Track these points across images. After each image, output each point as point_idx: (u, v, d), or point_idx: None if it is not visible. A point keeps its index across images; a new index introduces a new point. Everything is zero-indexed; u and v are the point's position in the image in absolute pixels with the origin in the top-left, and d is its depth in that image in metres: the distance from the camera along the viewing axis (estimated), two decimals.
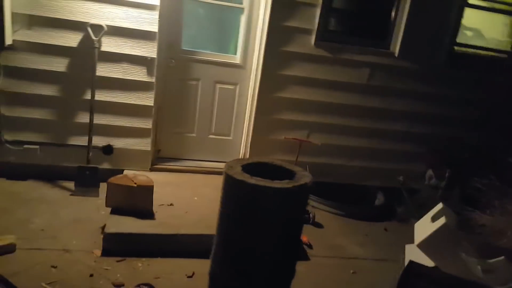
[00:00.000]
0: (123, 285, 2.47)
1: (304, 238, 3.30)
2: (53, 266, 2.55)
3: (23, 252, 2.65)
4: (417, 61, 4.21)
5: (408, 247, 2.95)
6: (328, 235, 3.60)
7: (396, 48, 4.14)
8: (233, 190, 1.09)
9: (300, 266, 2.99)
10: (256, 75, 4.04)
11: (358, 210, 4.06)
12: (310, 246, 3.29)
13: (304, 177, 1.11)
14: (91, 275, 2.52)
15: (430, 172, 4.30)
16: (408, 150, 4.50)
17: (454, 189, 4.09)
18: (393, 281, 2.33)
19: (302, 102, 4.12)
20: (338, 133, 4.31)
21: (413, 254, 2.78)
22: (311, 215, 3.69)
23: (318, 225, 3.71)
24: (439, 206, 3.01)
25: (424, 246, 2.80)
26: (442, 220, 2.78)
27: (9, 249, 2.61)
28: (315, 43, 3.96)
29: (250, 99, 4.15)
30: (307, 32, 3.94)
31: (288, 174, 1.12)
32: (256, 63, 4.04)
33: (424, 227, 2.95)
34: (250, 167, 1.13)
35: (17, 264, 2.51)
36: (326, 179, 4.34)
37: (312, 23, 3.92)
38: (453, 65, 4.30)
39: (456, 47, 4.32)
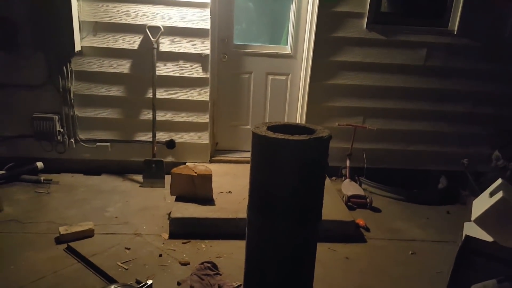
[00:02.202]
0: (188, 263, 2.65)
1: (361, 221, 3.30)
2: (126, 248, 2.79)
3: (100, 237, 2.93)
4: (478, 38, 3.97)
5: (466, 225, 2.82)
6: (386, 219, 3.53)
7: (455, 25, 3.93)
8: (258, 145, 1.25)
9: (356, 248, 3.04)
10: (307, 63, 4.06)
11: (418, 194, 3.93)
12: (367, 229, 3.27)
13: (323, 133, 1.22)
14: (160, 255, 2.73)
15: (497, 153, 4.03)
16: (472, 131, 4.27)
17: None
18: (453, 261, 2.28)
19: (355, 88, 4.07)
20: (395, 117, 4.20)
21: (472, 231, 2.66)
22: (368, 200, 3.66)
23: (376, 210, 3.65)
24: (498, 181, 2.86)
25: (481, 221, 2.66)
26: (499, 194, 2.63)
27: (88, 233, 2.91)
28: (367, 27, 3.89)
29: (302, 88, 4.18)
30: (358, 16, 3.88)
31: (308, 132, 1.25)
32: (306, 52, 4.06)
33: (482, 202, 2.82)
34: (275, 127, 1.28)
35: (96, 247, 2.79)
36: (385, 165, 4.27)
37: (363, 6, 3.85)
38: None
39: None
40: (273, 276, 1.28)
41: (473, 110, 4.21)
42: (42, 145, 3.94)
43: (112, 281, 2.34)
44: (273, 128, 1.24)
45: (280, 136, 1.16)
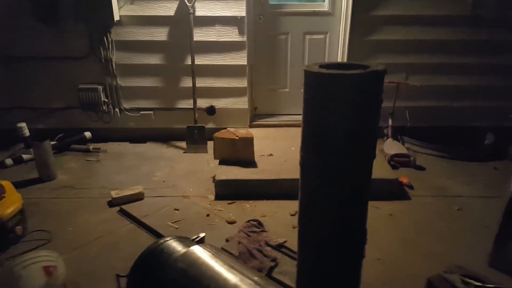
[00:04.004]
0: (235, 222, 2.63)
1: (404, 179, 3.12)
2: (175, 209, 2.80)
3: (150, 199, 2.95)
4: None
5: None
6: (431, 176, 3.34)
7: None
8: (310, 84, 1.18)
9: (401, 205, 2.91)
10: (346, 20, 3.81)
11: (464, 150, 3.69)
12: (411, 187, 3.11)
13: (377, 67, 1.15)
14: (208, 215, 2.72)
15: None
16: None
17: None
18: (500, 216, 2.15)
19: (397, 43, 3.79)
20: (439, 73, 3.91)
21: None
22: (412, 158, 3.47)
23: (420, 168, 3.46)
24: None
25: None
26: None
27: (139, 196, 2.94)
28: None
29: (341, 47, 3.94)
30: None
31: (362, 67, 1.17)
32: (345, 8, 3.80)
33: None
34: (327, 66, 1.21)
35: (146, 208, 2.81)
36: (428, 123, 4.03)
37: None
38: None
39: None
40: (328, 216, 1.26)
41: None
42: (88, 116, 4.00)
43: None
44: (325, 66, 1.18)
45: (334, 71, 1.10)
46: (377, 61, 3.82)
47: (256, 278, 1.35)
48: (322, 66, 1.18)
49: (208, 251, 1.51)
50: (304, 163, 1.23)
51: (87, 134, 4.03)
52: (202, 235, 1.84)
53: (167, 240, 1.59)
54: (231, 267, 1.40)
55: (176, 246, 1.55)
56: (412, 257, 2.29)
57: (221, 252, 1.55)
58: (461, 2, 3.68)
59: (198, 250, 1.50)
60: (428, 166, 3.54)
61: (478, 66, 3.90)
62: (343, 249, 1.33)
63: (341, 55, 3.98)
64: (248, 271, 1.41)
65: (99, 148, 3.90)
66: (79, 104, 3.93)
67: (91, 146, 3.89)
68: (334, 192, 1.19)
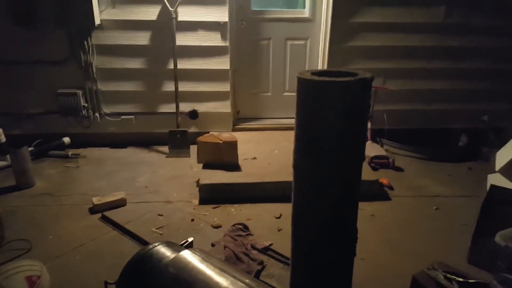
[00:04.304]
0: (220, 226, 2.60)
1: (384, 180, 3.21)
2: (159, 215, 2.75)
3: (133, 205, 2.89)
4: None
5: (490, 177, 2.77)
6: (409, 177, 3.44)
7: None
8: (303, 90, 1.27)
9: (382, 206, 2.98)
10: (326, 27, 3.88)
11: (440, 152, 3.82)
12: (391, 188, 3.19)
13: (365, 75, 1.23)
14: (192, 220, 2.69)
15: None
16: (492, 88, 4.11)
17: None
18: (477, 214, 2.24)
19: (375, 49, 3.89)
20: (415, 77, 4.03)
21: (496, 182, 2.62)
22: (390, 160, 3.56)
23: (399, 169, 3.56)
24: None
25: (505, 170, 2.60)
26: None
27: (121, 203, 2.87)
28: None
29: (322, 52, 4.01)
30: None
31: (351, 75, 1.27)
32: (325, 15, 3.87)
33: (506, 153, 2.75)
34: (318, 73, 1.30)
35: (129, 214, 2.75)
36: (406, 125, 4.13)
37: None
38: None
39: None
40: (321, 215, 1.30)
41: (492, 67, 4.03)
42: (67, 121, 3.89)
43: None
44: (316, 73, 1.25)
45: (326, 79, 1.17)
46: (356, 66, 3.92)
47: (247, 281, 1.35)
48: (314, 73, 1.24)
49: (198, 255, 1.50)
50: (297, 165, 1.27)
51: (66, 139, 3.93)
52: (190, 239, 1.83)
53: (156, 246, 1.57)
54: (222, 270, 1.40)
55: (165, 252, 1.53)
56: (395, 256, 2.34)
57: (210, 256, 1.55)
58: (434, 11, 3.83)
59: (188, 255, 1.49)
60: (406, 167, 3.64)
61: (450, 70, 4.05)
62: (336, 247, 1.37)
63: (321, 60, 4.05)
64: (239, 274, 1.41)
65: (79, 154, 3.81)
66: (58, 109, 3.83)
67: (70, 152, 3.80)
68: (327, 192, 1.24)
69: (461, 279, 1.72)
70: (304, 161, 1.24)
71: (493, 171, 2.81)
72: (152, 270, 1.42)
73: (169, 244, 1.60)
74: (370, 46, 3.89)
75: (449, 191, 3.20)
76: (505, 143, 2.99)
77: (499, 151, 2.90)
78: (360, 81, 1.19)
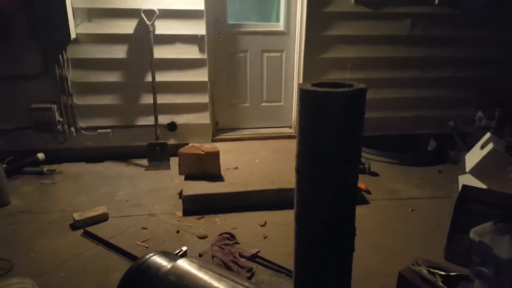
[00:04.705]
0: (206, 236, 2.61)
1: (362, 185, 3.33)
2: (143, 228, 2.73)
3: (115, 219, 2.85)
4: (457, 7, 4.01)
5: (461, 177, 2.93)
6: (385, 181, 3.59)
7: None
8: (305, 100, 1.40)
9: (361, 209, 3.04)
10: (300, 39, 4.01)
11: (411, 156, 4.02)
12: (368, 192, 3.32)
13: (360, 85, 1.41)
14: (178, 232, 2.69)
15: (480, 113, 4.14)
16: (456, 95, 4.34)
17: (504, 128, 3.99)
18: (450, 214, 2.38)
19: (347, 60, 4.04)
20: (385, 86, 4.21)
21: (466, 182, 2.79)
22: (366, 165, 3.70)
23: (374, 174, 3.71)
24: (487, 135, 3.00)
25: (476, 171, 2.79)
26: (490, 146, 2.77)
27: (103, 217, 2.82)
28: (355, 1, 3.86)
29: (297, 64, 4.13)
30: None
31: (347, 86, 1.43)
32: (299, 28, 4.00)
33: (474, 155, 2.95)
34: (318, 84, 1.45)
35: (112, 229, 2.71)
36: (377, 132, 4.29)
37: None
38: (495, 7, 4.05)
39: None
40: (323, 214, 1.44)
41: (456, 75, 4.27)
42: (42, 136, 3.78)
43: (135, 259, 2.34)
44: (316, 85, 1.40)
45: (328, 89, 1.30)
46: (330, 77, 4.06)
47: (247, 284, 1.38)
48: (313, 84, 1.36)
49: (195, 262, 1.52)
50: (300, 169, 1.37)
51: (40, 155, 3.81)
52: (184, 248, 1.85)
53: (152, 256, 1.57)
54: (221, 276, 1.43)
55: (162, 261, 1.54)
56: (377, 256, 2.44)
57: (207, 263, 1.57)
58: (401, 24, 4.04)
59: (185, 263, 1.51)
60: (381, 172, 3.79)
61: (417, 79, 4.27)
62: (336, 242, 1.49)
63: (297, 72, 4.17)
64: (238, 278, 1.44)
65: (54, 170, 3.70)
66: (31, 125, 3.72)
67: (46, 168, 3.69)
68: (327, 193, 1.33)
69: (443, 273, 1.83)
70: (306, 165, 1.34)
71: (462, 172, 2.99)
72: (152, 279, 1.43)
73: (165, 254, 1.61)
74: (343, 58, 4.04)
75: (422, 193, 3.37)
76: (471, 146, 3.20)
77: (468, 154, 3.10)
78: (358, 91, 1.32)
